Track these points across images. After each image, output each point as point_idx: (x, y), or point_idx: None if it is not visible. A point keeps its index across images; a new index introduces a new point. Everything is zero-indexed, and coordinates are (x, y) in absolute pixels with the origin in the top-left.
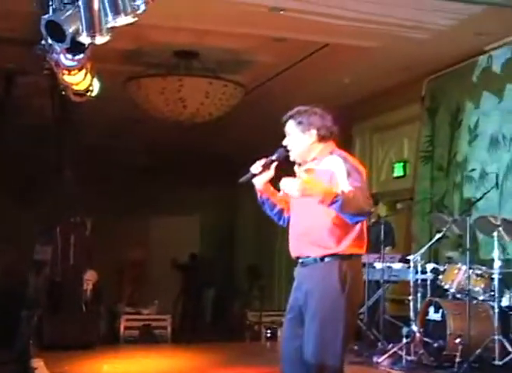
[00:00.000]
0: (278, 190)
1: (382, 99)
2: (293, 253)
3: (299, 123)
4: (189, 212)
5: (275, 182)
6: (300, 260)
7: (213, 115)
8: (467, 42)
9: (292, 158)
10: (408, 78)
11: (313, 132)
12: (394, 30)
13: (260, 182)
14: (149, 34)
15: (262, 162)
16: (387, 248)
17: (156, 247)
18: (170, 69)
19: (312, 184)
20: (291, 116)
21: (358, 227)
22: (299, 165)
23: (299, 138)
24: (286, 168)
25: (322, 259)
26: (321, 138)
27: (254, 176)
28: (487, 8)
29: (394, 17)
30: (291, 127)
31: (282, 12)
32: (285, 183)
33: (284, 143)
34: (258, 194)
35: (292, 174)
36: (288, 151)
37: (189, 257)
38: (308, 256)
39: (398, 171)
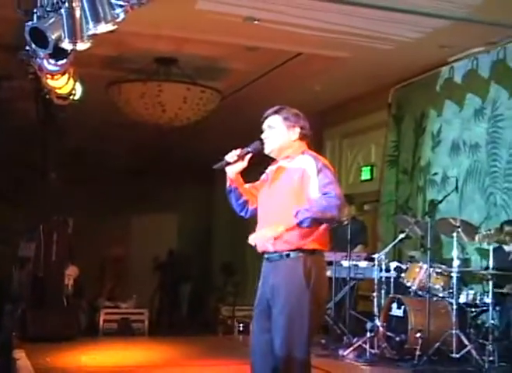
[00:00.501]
0: (248, 182)
1: (351, 106)
2: (259, 248)
3: (286, 118)
4: (168, 211)
5: (245, 173)
6: (266, 256)
7: (191, 119)
8: (431, 54)
9: (267, 152)
10: (376, 86)
11: (297, 130)
12: (362, 41)
13: (232, 171)
14: (131, 41)
15: (238, 151)
16: (360, 246)
17: (136, 244)
18: (150, 75)
19: (277, 229)
20: (276, 112)
21: (324, 226)
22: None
23: (283, 133)
24: (259, 161)
25: (288, 254)
26: (301, 137)
27: (228, 164)
28: (450, 23)
29: (361, 28)
30: (276, 121)
31: (256, 22)
32: (256, 238)
33: (263, 136)
34: (228, 182)
35: (264, 168)
36: (263, 144)
37: (167, 254)
38: (274, 252)
39: (366, 174)
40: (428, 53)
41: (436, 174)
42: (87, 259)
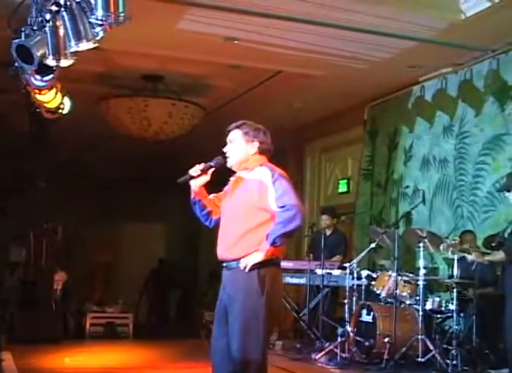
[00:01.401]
0: (210, 193)
1: (330, 122)
2: (219, 256)
3: (246, 133)
4: (156, 220)
5: (208, 186)
6: (224, 264)
7: (176, 133)
8: (401, 73)
9: (228, 165)
10: (352, 103)
11: (256, 144)
12: (337, 60)
13: (196, 184)
14: (119, 59)
15: (201, 166)
16: (338, 256)
17: (125, 252)
18: (137, 91)
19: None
20: (237, 126)
21: None
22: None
23: (242, 147)
24: (222, 174)
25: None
26: (260, 152)
27: (192, 178)
28: (418, 44)
29: (336, 48)
30: (236, 135)
31: (236, 42)
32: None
33: (225, 149)
34: (192, 195)
35: (225, 181)
36: (225, 158)
37: (157, 262)
38: (231, 260)
39: (342, 187)
40: (398, 72)
41: (407, 187)
42: (77, 265)
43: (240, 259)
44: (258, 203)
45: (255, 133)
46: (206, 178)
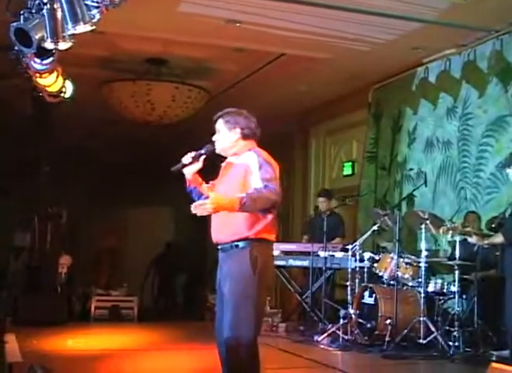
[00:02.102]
0: (205, 181)
1: (335, 104)
2: (214, 239)
3: (227, 121)
4: (164, 204)
5: (202, 173)
6: (220, 246)
7: (179, 117)
8: (405, 55)
9: (217, 152)
10: (357, 86)
11: (238, 130)
12: (341, 43)
13: (189, 172)
14: (123, 43)
15: (192, 154)
16: (338, 239)
17: (131, 236)
18: (141, 75)
19: (218, 200)
20: (220, 116)
21: (270, 215)
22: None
23: (226, 135)
24: (213, 161)
25: (236, 245)
26: (244, 136)
27: (185, 166)
28: (421, 26)
29: (339, 30)
30: (220, 125)
31: (238, 25)
32: (195, 207)
33: (213, 138)
34: (187, 183)
35: (217, 167)
36: (215, 145)
37: (165, 246)
38: (225, 242)
39: (347, 170)
40: (402, 54)
41: (411, 169)
42: (83, 249)
43: (233, 241)
44: (245, 186)
45: (236, 119)
46: (198, 165)
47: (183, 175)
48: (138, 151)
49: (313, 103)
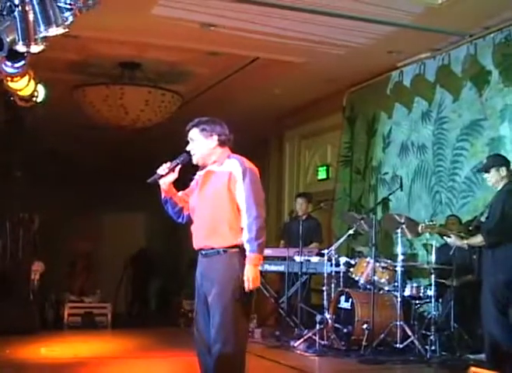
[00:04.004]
0: (178, 190)
1: (309, 108)
2: (197, 246)
3: (203, 130)
4: (137, 210)
5: (176, 183)
6: (204, 252)
7: (153, 121)
8: (380, 59)
9: (194, 162)
10: (332, 90)
11: (215, 137)
12: (315, 47)
13: (166, 182)
14: (96, 46)
15: (168, 164)
16: (315, 244)
17: (105, 241)
18: (114, 79)
19: (253, 272)
20: (194, 125)
21: None
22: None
23: (203, 143)
24: (188, 171)
25: (225, 250)
26: (221, 143)
27: (161, 177)
28: (396, 30)
29: (314, 34)
30: (195, 133)
31: (212, 28)
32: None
33: (188, 148)
34: (163, 194)
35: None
36: (191, 156)
37: (138, 251)
38: (211, 248)
39: (322, 174)
40: (377, 58)
41: (386, 173)
42: (57, 255)
43: (220, 248)
44: (230, 193)
45: (212, 127)
46: (174, 175)
47: (158, 185)
48: (112, 156)
49: (287, 107)
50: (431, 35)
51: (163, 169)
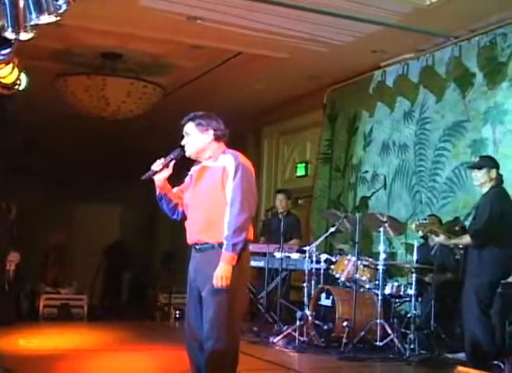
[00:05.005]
0: (173, 187)
1: (289, 105)
2: (190, 240)
3: (199, 124)
4: (111, 202)
5: (170, 178)
6: (198, 246)
7: (134, 112)
8: (364, 58)
9: (187, 154)
10: (313, 87)
11: (211, 132)
12: (299, 43)
13: (160, 178)
14: (78, 35)
15: (162, 160)
16: (295, 240)
17: (79, 233)
18: (96, 69)
19: (225, 270)
20: (190, 119)
21: None
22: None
23: (198, 137)
24: (182, 166)
25: (220, 245)
26: (216, 138)
27: (155, 173)
28: (382, 29)
29: (298, 31)
30: (190, 128)
31: (198, 21)
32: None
33: (183, 142)
34: (157, 190)
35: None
36: (184, 150)
37: (113, 243)
38: (206, 243)
39: (301, 171)
40: (361, 57)
41: (366, 172)
42: (30, 245)
43: (214, 243)
44: (223, 188)
45: (208, 121)
46: (169, 171)
47: (152, 181)
48: (91, 148)
49: (267, 103)
50: (416, 35)
51: (157, 165)
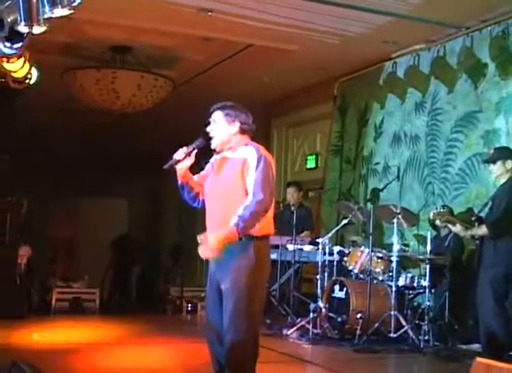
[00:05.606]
0: (194, 174)
1: (299, 96)
2: (211, 232)
3: (227, 114)
4: (119, 196)
5: (192, 167)
6: None
7: (144, 106)
8: (374, 49)
9: (213, 146)
10: (323, 78)
11: (237, 124)
12: (309, 35)
13: (182, 167)
14: (88, 29)
15: (185, 149)
16: (306, 232)
17: (87, 228)
18: (106, 62)
19: (217, 239)
20: (219, 108)
21: (269, 213)
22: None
23: (224, 128)
24: (205, 155)
25: (240, 238)
26: (242, 131)
27: (178, 162)
28: (393, 20)
29: (308, 22)
30: (218, 116)
31: (209, 13)
32: (203, 253)
33: (208, 129)
34: (179, 179)
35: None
36: (207, 140)
37: (120, 237)
38: None
39: (311, 163)
40: (371, 48)
41: (377, 164)
42: (39, 240)
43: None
44: (243, 180)
45: (236, 114)
46: (191, 160)
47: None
48: (97, 143)
49: (277, 95)
50: (427, 26)
51: (179, 154)
